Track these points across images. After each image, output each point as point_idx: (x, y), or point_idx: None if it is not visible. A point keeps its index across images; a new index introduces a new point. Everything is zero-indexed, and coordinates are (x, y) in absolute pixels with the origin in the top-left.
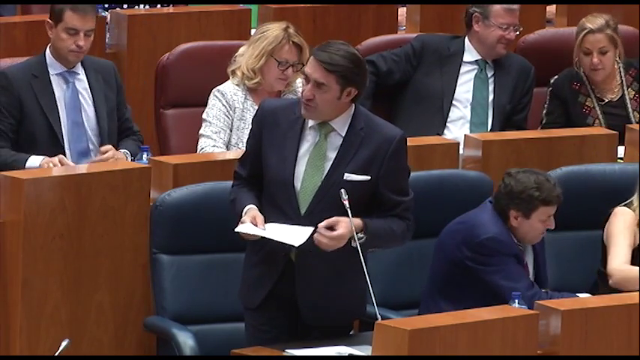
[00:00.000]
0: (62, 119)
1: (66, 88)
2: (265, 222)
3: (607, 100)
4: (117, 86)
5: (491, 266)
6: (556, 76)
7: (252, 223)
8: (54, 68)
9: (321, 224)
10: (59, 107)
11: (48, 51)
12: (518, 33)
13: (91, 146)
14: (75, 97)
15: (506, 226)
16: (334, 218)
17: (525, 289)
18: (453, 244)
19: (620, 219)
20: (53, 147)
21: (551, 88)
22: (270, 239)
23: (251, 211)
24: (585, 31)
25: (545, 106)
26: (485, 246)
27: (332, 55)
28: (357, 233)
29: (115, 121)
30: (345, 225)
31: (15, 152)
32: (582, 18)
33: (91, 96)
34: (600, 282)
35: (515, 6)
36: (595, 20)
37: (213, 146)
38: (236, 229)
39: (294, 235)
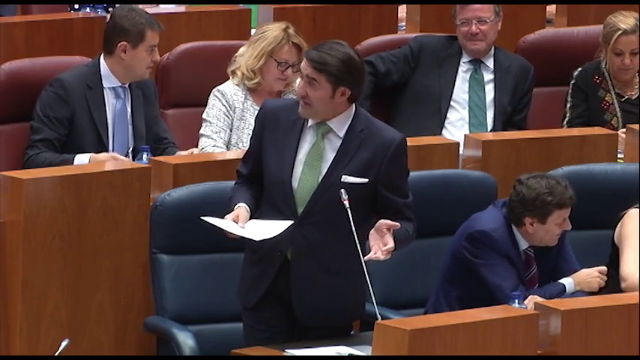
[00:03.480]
0: (109, 134)
1: (115, 103)
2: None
3: (626, 97)
4: (155, 101)
5: (480, 259)
6: (579, 69)
7: (233, 221)
8: (108, 81)
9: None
10: (108, 121)
11: (103, 62)
12: (484, 26)
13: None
14: (123, 114)
15: (507, 228)
16: (385, 234)
17: (510, 289)
18: (457, 235)
19: (635, 221)
20: None
21: (574, 82)
22: (229, 232)
23: (237, 209)
24: (619, 32)
25: (569, 99)
26: (476, 239)
27: (322, 54)
28: None
29: (152, 136)
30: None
31: (59, 155)
32: (609, 15)
33: (131, 115)
34: (607, 281)
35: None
36: (627, 20)
37: (214, 146)
38: (203, 217)
39: (263, 230)
